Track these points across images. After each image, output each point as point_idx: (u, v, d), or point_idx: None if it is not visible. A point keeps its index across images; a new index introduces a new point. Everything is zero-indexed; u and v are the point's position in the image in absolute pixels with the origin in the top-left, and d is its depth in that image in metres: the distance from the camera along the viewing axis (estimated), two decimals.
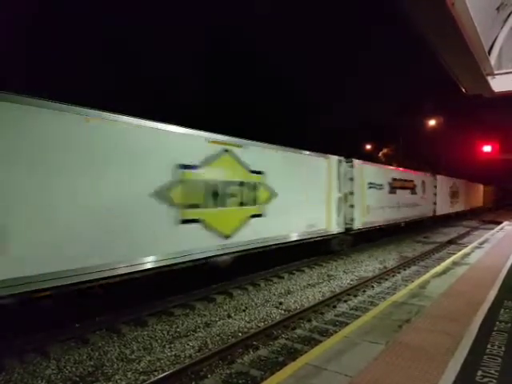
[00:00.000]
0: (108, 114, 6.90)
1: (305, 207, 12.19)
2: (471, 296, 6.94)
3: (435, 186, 24.97)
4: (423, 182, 23.10)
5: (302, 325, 7.40)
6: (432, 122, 35.23)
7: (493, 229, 21.34)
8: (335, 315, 7.98)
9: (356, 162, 15.16)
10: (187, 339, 6.70)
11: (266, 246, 10.55)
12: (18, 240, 5.65)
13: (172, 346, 6.43)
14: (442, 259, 13.25)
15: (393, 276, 11.47)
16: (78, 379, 5.38)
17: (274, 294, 9.46)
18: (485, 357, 4.44)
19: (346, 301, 8.93)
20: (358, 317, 7.20)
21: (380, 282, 10.68)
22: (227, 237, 9.28)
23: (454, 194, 30.04)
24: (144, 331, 7.05)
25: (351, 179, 14.73)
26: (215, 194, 8.94)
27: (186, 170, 8.25)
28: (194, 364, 5.56)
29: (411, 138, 37.98)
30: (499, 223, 25.21)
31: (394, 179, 18.93)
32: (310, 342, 6.49)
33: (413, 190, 21.57)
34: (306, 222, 12.22)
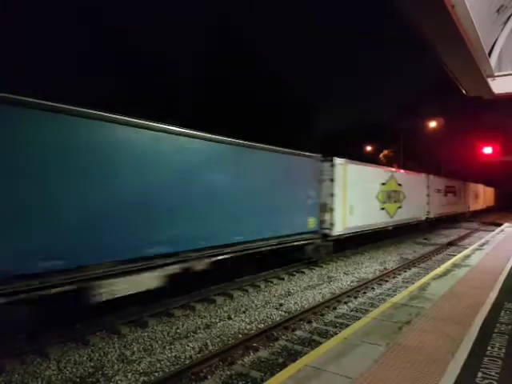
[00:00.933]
0: (358, 163, 15.44)
1: (415, 204, 21.24)
2: (472, 298, 6.93)
3: (466, 190, 34.37)
4: (460, 187, 31.82)
5: (302, 326, 7.40)
6: (433, 124, 35.22)
7: (493, 231, 21.32)
8: (335, 317, 7.98)
9: (431, 176, 23.99)
10: (187, 340, 6.70)
11: (401, 224, 19.58)
12: (355, 210, 14.43)
13: (172, 347, 6.43)
14: (443, 261, 13.25)
15: (393, 278, 11.47)
16: (78, 380, 5.38)
17: (274, 296, 9.46)
18: (485, 358, 4.44)
19: (346, 302, 8.93)
20: (358, 318, 7.21)
21: (380, 284, 10.67)
22: (391, 217, 18.21)
23: (477, 196, 39.75)
24: (144, 332, 7.06)
25: (428, 187, 23.31)
26: (389, 196, 17.80)
27: (382, 185, 17.21)
28: (194, 365, 5.56)
29: (412, 139, 37.96)
30: (499, 225, 25.19)
31: (446, 186, 27.56)
32: (310, 344, 6.49)
33: (455, 193, 30.28)
34: (414, 212, 21.21)
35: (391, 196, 18.06)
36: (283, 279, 11.05)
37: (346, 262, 13.85)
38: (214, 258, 8.62)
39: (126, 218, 6.84)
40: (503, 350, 4.66)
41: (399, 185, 19.02)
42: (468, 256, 11.81)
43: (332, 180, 13.21)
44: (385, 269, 12.69)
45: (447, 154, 40.33)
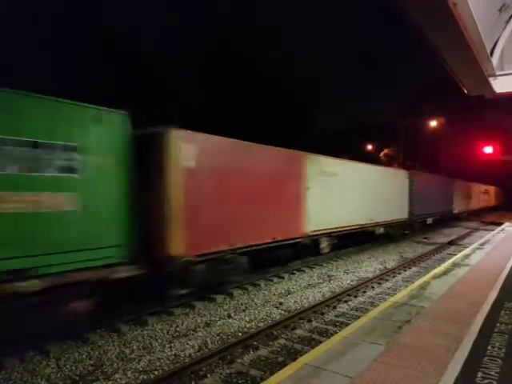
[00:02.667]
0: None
1: (476, 200, 38.61)
2: (472, 297, 6.93)
3: (491, 191, 50.26)
4: (490, 190, 47.94)
5: (302, 325, 7.39)
6: (433, 123, 35.20)
7: (493, 230, 21.30)
8: (335, 316, 7.98)
9: (480, 184, 41.11)
10: (187, 339, 6.70)
11: (472, 211, 37.36)
12: (460, 202, 33.27)
13: (172, 345, 6.43)
14: (443, 260, 13.23)
15: (393, 277, 11.46)
16: (77, 378, 5.38)
17: (274, 294, 9.46)
18: (485, 358, 4.43)
19: (346, 301, 8.93)
20: (358, 317, 7.20)
21: (380, 283, 10.67)
22: (468, 207, 35.16)
23: (496, 195, 55.00)
24: (144, 330, 7.06)
25: (478, 190, 39.91)
26: (467, 195, 34.59)
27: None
28: (194, 363, 5.56)
29: (412, 138, 37.94)
30: (499, 224, 25.17)
31: (485, 189, 44.05)
32: (310, 343, 6.49)
33: (488, 193, 46.57)
34: (475, 204, 37.97)
35: (468, 195, 34.40)
36: (283, 278, 11.05)
37: (346, 261, 13.85)
38: (435, 218, 23.34)
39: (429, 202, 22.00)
40: (503, 350, 4.65)
41: (470, 189, 35.70)
42: (468, 255, 11.80)
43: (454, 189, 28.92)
44: (385, 268, 12.69)
45: (448, 153, 40.34)
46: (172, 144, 7.28)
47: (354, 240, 15.35)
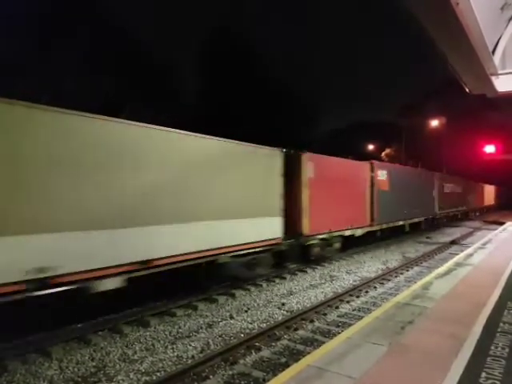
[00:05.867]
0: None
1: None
2: (474, 297, 6.90)
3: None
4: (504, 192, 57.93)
5: (305, 326, 7.37)
6: (435, 123, 35.14)
7: (496, 229, 21.24)
8: (338, 316, 7.95)
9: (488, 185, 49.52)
10: (189, 340, 6.69)
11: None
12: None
13: (174, 346, 6.42)
14: (445, 260, 13.19)
15: (395, 277, 11.43)
16: (80, 380, 5.37)
17: (277, 295, 9.44)
18: (488, 358, 4.40)
19: (348, 302, 8.90)
20: (360, 318, 7.18)
21: (383, 283, 10.64)
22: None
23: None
24: (146, 332, 7.05)
25: (496, 192, 53.06)
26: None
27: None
28: (197, 365, 5.54)
29: (414, 138, 37.88)
30: (502, 224, 25.09)
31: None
32: (313, 343, 6.46)
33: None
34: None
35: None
36: (285, 278, 11.03)
37: (348, 261, 13.82)
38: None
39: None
40: (506, 350, 4.62)
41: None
42: (471, 255, 11.76)
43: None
44: (387, 268, 12.66)
45: (449, 152, 40.27)
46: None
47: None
